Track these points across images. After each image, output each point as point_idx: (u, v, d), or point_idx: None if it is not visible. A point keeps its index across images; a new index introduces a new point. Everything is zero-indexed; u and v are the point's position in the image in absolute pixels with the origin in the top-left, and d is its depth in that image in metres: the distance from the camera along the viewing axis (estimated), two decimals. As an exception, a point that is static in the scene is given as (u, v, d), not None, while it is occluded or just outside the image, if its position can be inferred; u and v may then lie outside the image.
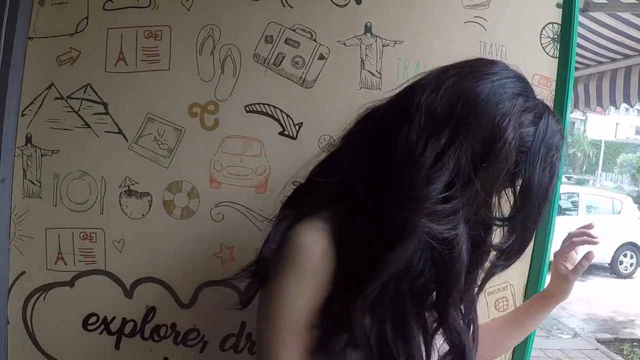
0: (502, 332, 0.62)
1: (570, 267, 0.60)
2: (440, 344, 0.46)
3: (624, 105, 2.47)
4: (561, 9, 0.72)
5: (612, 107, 2.65)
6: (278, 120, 0.68)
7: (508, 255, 0.46)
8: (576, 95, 2.63)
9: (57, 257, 0.66)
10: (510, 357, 0.74)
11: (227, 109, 0.67)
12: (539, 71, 0.72)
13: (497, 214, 0.47)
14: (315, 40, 0.67)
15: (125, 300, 0.66)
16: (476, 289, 0.48)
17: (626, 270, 5.33)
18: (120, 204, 0.66)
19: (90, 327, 0.66)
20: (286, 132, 0.68)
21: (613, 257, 5.25)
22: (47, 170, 0.65)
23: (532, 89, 0.46)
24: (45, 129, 0.65)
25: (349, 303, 0.42)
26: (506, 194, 0.47)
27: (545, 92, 0.72)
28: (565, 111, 0.72)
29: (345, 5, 0.67)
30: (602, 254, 5.01)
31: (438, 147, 0.41)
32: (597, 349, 3.36)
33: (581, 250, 0.61)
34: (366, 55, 0.68)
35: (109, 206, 0.66)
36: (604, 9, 1.89)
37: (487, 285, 0.49)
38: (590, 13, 1.90)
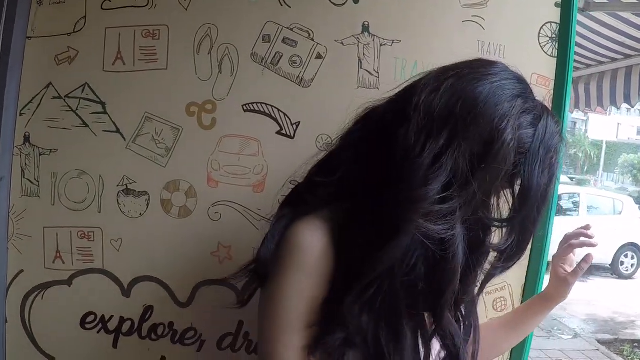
0: (500, 334, 0.62)
1: (569, 270, 0.60)
2: (437, 350, 0.46)
3: (626, 106, 2.46)
4: (560, 8, 0.72)
5: (612, 107, 2.64)
6: (276, 120, 0.68)
7: (507, 257, 0.46)
8: (577, 96, 2.63)
9: (55, 256, 0.66)
10: (509, 357, 0.74)
11: (225, 108, 0.67)
12: (538, 70, 0.72)
13: (495, 215, 0.46)
14: (312, 40, 0.67)
15: (123, 299, 0.67)
16: (476, 291, 0.48)
17: (627, 271, 5.32)
18: (118, 203, 0.66)
19: (88, 326, 0.66)
20: (284, 132, 0.68)
21: (614, 257, 5.23)
22: (45, 169, 0.65)
23: (531, 91, 0.46)
24: (44, 128, 0.65)
25: (345, 300, 0.42)
26: (505, 195, 0.47)
27: (543, 92, 0.72)
28: (564, 111, 0.72)
29: (343, 4, 0.67)
30: (603, 255, 5.00)
31: (436, 148, 0.41)
32: (597, 350, 3.35)
33: (580, 252, 0.61)
34: (364, 54, 0.68)
35: (106, 205, 0.66)
36: (604, 9, 1.89)
37: (485, 286, 0.49)
38: (591, 13, 1.90)
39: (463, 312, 0.48)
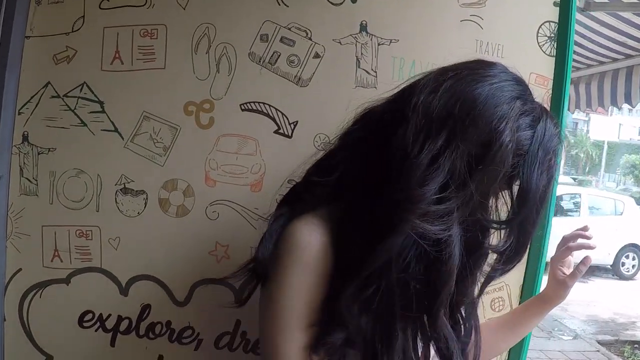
0: (498, 335, 0.62)
1: (568, 272, 0.60)
2: (432, 355, 0.46)
3: (627, 106, 2.45)
4: (558, 8, 0.72)
5: (613, 107, 2.63)
6: (273, 119, 0.68)
7: (507, 259, 0.46)
8: (577, 96, 2.62)
9: (53, 255, 0.66)
10: (506, 358, 0.74)
11: (223, 107, 0.67)
12: (536, 70, 0.72)
13: (494, 216, 0.46)
14: (310, 39, 0.67)
15: (121, 297, 0.67)
16: (476, 293, 0.48)
17: (628, 272, 5.30)
18: (116, 202, 0.66)
19: (86, 324, 0.67)
20: (281, 131, 0.68)
21: (615, 258, 5.22)
22: (43, 168, 0.66)
23: (530, 92, 0.46)
24: (42, 127, 0.65)
25: (341, 298, 0.42)
26: (503, 197, 0.47)
27: (542, 91, 0.72)
28: (563, 110, 0.72)
29: (341, 3, 0.67)
30: (604, 256, 4.99)
31: (434, 149, 0.41)
32: (598, 351, 3.34)
33: (578, 253, 0.61)
34: (361, 53, 0.68)
35: (104, 204, 0.66)
36: (605, 9, 1.88)
37: (483, 286, 0.48)
38: (592, 12, 1.89)
39: (463, 314, 0.48)
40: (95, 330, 0.67)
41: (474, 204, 0.42)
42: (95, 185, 0.66)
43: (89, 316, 0.66)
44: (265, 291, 0.45)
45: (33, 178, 0.66)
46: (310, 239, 0.43)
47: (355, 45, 0.68)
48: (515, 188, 0.45)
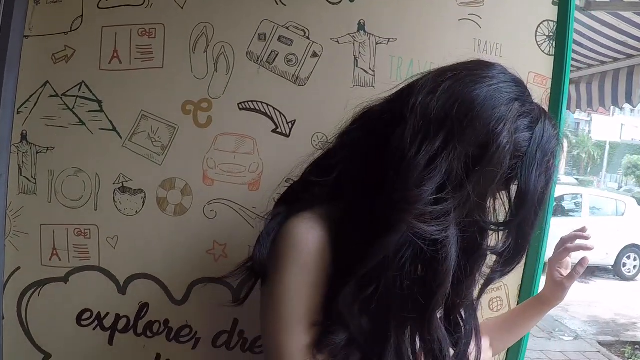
0: (496, 335, 0.62)
1: (565, 273, 0.60)
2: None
3: (629, 106, 2.44)
4: (557, 7, 0.72)
5: (614, 107, 2.62)
6: (271, 118, 0.68)
7: (506, 261, 0.46)
8: (578, 96, 2.62)
9: (52, 253, 0.66)
10: (504, 358, 0.74)
11: (221, 106, 0.67)
12: (535, 69, 0.72)
13: (492, 218, 0.46)
14: (308, 38, 0.67)
15: (119, 296, 0.67)
16: (476, 294, 0.48)
17: (629, 272, 5.28)
18: (114, 201, 0.67)
19: (84, 323, 0.67)
20: (279, 130, 0.68)
21: (616, 259, 5.20)
22: (42, 167, 0.66)
23: (529, 93, 0.46)
24: (41, 126, 0.65)
25: (339, 297, 0.42)
26: (501, 199, 0.47)
27: (540, 91, 0.72)
28: (561, 110, 0.72)
29: (339, 3, 0.67)
30: (606, 256, 4.97)
31: (432, 150, 0.41)
32: (598, 352, 3.33)
33: (576, 255, 0.61)
34: (359, 52, 0.68)
35: (103, 203, 0.66)
36: (605, 8, 1.88)
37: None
38: (592, 12, 1.89)
39: (463, 316, 0.48)
40: (94, 329, 0.67)
41: (471, 205, 0.42)
42: (93, 184, 0.66)
43: (87, 315, 0.67)
44: (265, 290, 0.45)
45: (32, 177, 0.66)
46: (309, 236, 0.43)
47: (353, 44, 0.68)
48: (514, 189, 0.45)
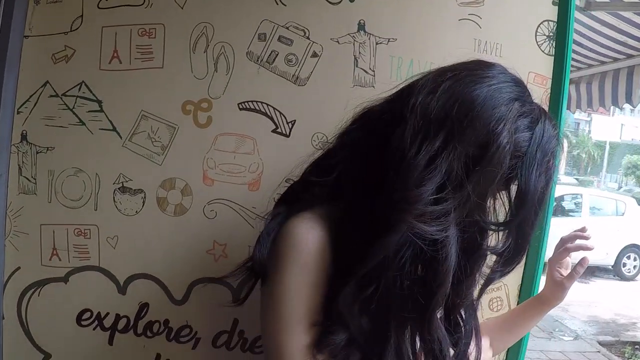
0: (495, 335, 0.62)
1: (565, 273, 0.60)
2: None
3: (629, 106, 2.44)
4: (557, 7, 0.72)
5: (615, 107, 2.62)
6: (271, 118, 0.68)
7: (506, 261, 0.46)
8: (578, 96, 2.62)
9: (52, 253, 0.66)
10: (504, 357, 0.74)
11: (221, 106, 0.67)
12: (535, 69, 0.72)
13: (492, 218, 0.46)
14: (308, 38, 0.67)
15: (119, 296, 0.67)
16: (476, 295, 0.48)
17: (629, 272, 5.28)
18: (114, 201, 0.67)
19: (84, 323, 0.67)
20: (279, 130, 0.68)
21: (616, 259, 5.20)
22: (42, 167, 0.66)
23: (529, 93, 0.46)
24: (41, 126, 0.65)
25: (339, 297, 0.42)
26: (501, 199, 0.47)
27: (540, 91, 0.72)
28: (561, 110, 0.72)
29: (339, 2, 0.67)
30: (606, 256, 4.97)
31: (432, 150, 0.41)
32: (598, 352, 3.33)
33: (576, 255, 0.61)
34: (359, 52, 0.68)
35: (103, 203, 0.66)
36: (605, 8, 1.88)
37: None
38: (592, 12, 1.89)
39: (463, 316, 0.48)
40: (94, 329, 0.67)
41: (471, 205, 0.42)
42: (93, 184, 0.66)
43: (87, 315, 0.67)
44: (265, 290, 0.45)
45: (32, 177, 0.66)
46: (309, 236, 0.43)
47: (353, 44, 0.68)
48: (514, 189, 0.45)
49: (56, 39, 0.65)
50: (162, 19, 0.66)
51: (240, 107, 0.67)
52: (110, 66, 0.65)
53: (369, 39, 0.68)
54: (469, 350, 0.48)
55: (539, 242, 0.71)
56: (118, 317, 0.67)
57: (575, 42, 2.24)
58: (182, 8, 0.66)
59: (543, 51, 0.72)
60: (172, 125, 0.67)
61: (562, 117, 0.72)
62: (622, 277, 5.24)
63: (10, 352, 0.66)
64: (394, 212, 0.41)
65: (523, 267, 0.73)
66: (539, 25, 0.72)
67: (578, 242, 0.60)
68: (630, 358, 3.33)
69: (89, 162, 0.66)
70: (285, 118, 0.68)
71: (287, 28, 0.67)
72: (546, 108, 0.71)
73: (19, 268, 0.66)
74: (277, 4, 0.67)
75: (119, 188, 0.67)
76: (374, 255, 0.41)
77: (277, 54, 0.67)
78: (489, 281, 0.47)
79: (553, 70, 0.72)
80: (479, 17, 0.70)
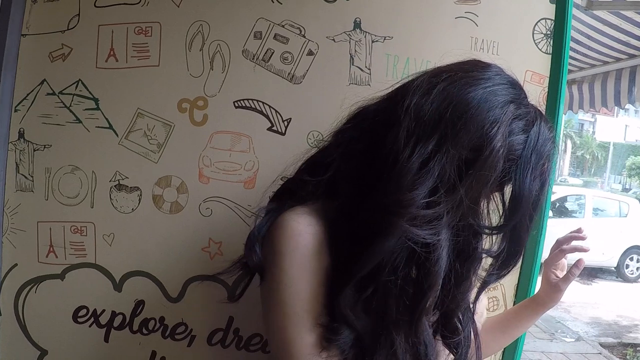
0: (489, 336, 0.62)
1: (561, 275, 0.60)
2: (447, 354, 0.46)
3: (633, 107, 2.43)
4: (554, 5, 0.71)
5: (617, 107, 2.61)
6: (267, 116, 0.68)
7: (501, 264, 0.46)
8: (581, 96, 2.60)
9: (49, 250, 0.67)
10: (500, 358, 0.73)
11: (216, 104, 0.67)
12: (532, 68, 0.71)
13: (486, 221, 0.46)
14: (304, 36, 0.67)
15: (115, 293, 0.67)
16: (472, 298, 0.48)
17: (632, 274, 5.24)
18: (111, 198, 0.67)
19: (80, 320, 0.67)
20: (275, 128, 0.68)
21: (619, 260, 5.16)
22: (39, 165, 0.66)
23: (525, 95, 0.45)
24: (38, 124, 0.66)
25: (339, 299, 0.42)
26: (495, 203, 0.46)
27: (538, 89, 0.71)
28: (558, 109, 0.72)
29: (335, 1, 0.67)
30: (608, 258, 4.94)
31: (425, 153, 0.41)
32: (600, 353, 3.30)
33: (572, 257, 0.60)
34: (355, 51, 0.68)
35: (99, 200, 0.67)
36: (607, 8, 1.86)
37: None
38: (594, 12, 1.88)
39: (462, 320, 0.47)
40: (90, 326, 0.67)
41: (464, 208, 0.42)
42: (90, 181, 0.67)
43: (84, 311, 0.67)
44: (265, 287, 0.45)
45: (29, 174, 0.66)
46: (302, 227, 0.43)
47: (349, 42, 0.68)
48: (508, 192, 0.44)
49: (53, 38, 0.65)
50: (158, 18, 0.66)
51: (236, 105, 0.67)
52: (106, 64, 0.66)
53: (365, 37, 0.68)
54: (469, 353, 0.48)
55: (536, 243, 0.71)
56: (114, 314, 0.67)
57: (577, 41, 2.23)
58: (178, 6, 0.66)
59: (540, 49, 0.72)
60: (168, 123, 0.67)
61: (560, 116, 0.72)
62: (625, 279, 5.20)
63: (7, 348, 0.66)
64: (387, 215, 0.41)
65: (519, 268, 0.72)
66: (536, 24, 0.71)
67: (574, 243, 0.60)
68: (632, 360, 3.30)
69: (86, 160, 0.66)
70: (280, 116, 0.68)
71: (283, 26, 0.67)
72: (543, 107, 0.71)
73: (16, 265, 0.66)
74: (273, 2, 0.67)
75: (115, 186, 0.67)
76: (370, 260, 0.41)
77: (273, 52, 0.67)
78: (485, 284, 0.47)
79: (550, 69, 0.72)
80: (475, 15, 0.70)
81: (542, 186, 0.44)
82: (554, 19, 0.71)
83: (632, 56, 2.20)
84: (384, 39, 0.68)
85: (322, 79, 0.68)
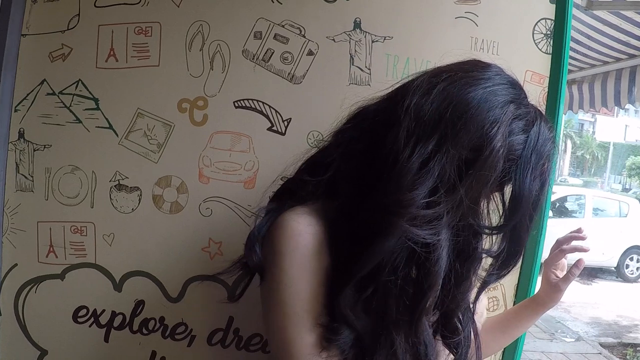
0: (489, 336, 0.62)
1: (561, 275, 0.60)
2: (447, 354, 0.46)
3: (633, 107, 2.43)
4: (554, 5, 0.71)
5: (618, 108, 2.61)
6: (267, 116, 0.68)
7: (501, 264, 0.46)
8: (581, 96, 2.60)
9: (49, 250, 0.67)
10: (500, 357, 0.73)
11: (216, 104, 0.67)
12: (532, 67, 0.71)
13: (486, 221, 0.46)
14: (304, 36, 0.67)
15: (115, 293, 0.67)
16: (472, 298, 0.48)
17: (632, 274, 5.24)
18: (111, 198, 0.67)
19: (80, 320, 0.67)
20: (275, 128, 0.68)
21: (619, 260, 5.16)
22: (39, 165, 0.66)
23: (525, 95, 0.45)
24: (38, 124, 0.66)
25: (340, 299, 0.42)
26: (495, 203, 0.46)
27: (538, 89, 0.71)
28: (558, 109, 0.72)
29: (335, 1, 0.67)
30: (608, 258, 4.94)
31: (425, 153, 0.41)
32: (600, 353, 3.30)
33: (572, 257, 0.60)
34: (355, 51, 0.68)
35: (99, 200, 0.67)
36: (607, 8, 1.86)
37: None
38: (594, 12, 1.88)
39: (462, 320, 0.48)
40: (90, 326, 0.67)
41: (464, 208, 0.42)
42: (90, 181, 0.67)
43: (84, 311, 0.67)
44: (266, 286, 0.45)
45: (29, 174, 0.66)
46: (302, 227, 0.43)
47: (349, 42, 0.68)
48: (508, 192, 0.44)
49: (53, 38, 0.65)
50: (159, 18, 0.66)
51: (236, 105, 0.67)
52: (106, 64, 0.66)
53: (365, 37, 0.68)
54: (469, 353, 0.48)
55: (536, 243, 0.71)
56: (114, 314, 0.67)
57: (577, 41, 2.23)
58: (178, 6, 0.66)
59: (540, 49, 0.72)
60: (168, 123, 0.67)
61: (559, 116, 0.72)
62: (625, 279, 5.20)
63: (7, 348, 0.66)
64: (387, 215, 0.41)
65: (519, 268, 0.72)
66: (536, 23, 0.71)
67: (574, 243, 0.60)
68: (632, 360, 3.30)
69: (86, 160, 0.66)
70: (280, 116, 0.68)
71: (283, 26, 0.67)
72: (543, 107, 0.71)
73: (16, 265, 0.66)
74: (273, 2, 0.67)
75: (115, 186, 0.67)
76: (370, 260, 0.41)
77: (273, 52, 0.67)
78: (485, 284, 0.47)
79: (550, 69, 0.72)
80: (475, 15, 0.70)
81: (542, 186, 0.44)
82: (554, 19, 0.71)
83: (632, 56, 2.20)
84: (384, 39, 0.68)
85: (322, 79, 0.68)
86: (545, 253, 0.67)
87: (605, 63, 2.38)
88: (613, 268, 5.21)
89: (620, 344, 3.53)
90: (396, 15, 0.68)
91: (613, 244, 4.91)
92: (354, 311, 0.42)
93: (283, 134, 0.68)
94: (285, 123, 0.68)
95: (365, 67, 0.68)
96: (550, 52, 0.72)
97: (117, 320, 0.67)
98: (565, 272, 0.60)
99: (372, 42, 0.68)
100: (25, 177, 0.66)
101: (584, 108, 2.66)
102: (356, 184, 0.44)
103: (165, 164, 0.67)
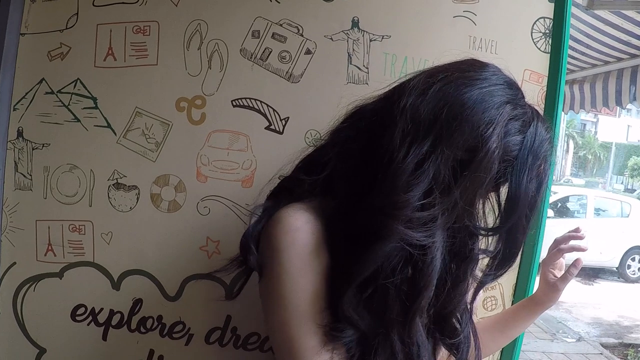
0: (487, 336, 0.62)
1: (559, 275, 0.59)
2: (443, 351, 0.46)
3: (635, 108, 2.43)
4: (553, 4, 0.71)
5: (619, 108, 2.60)
6: (264, 115, 0.68)
7: (498, 265, 0.45)
8: (582, 96, 2.59)
9: (47, 249, 0.67)
10: (499, 357, 0.73)
11: (214, 103, 0.67)
12: (530, 67, 0.71)
13: (482, 223, 0.46)
14: (302, 35, 0.67)
15: (113, 292, 0.67)
16: (469, 299, 0.48)
17: (634, 274, 5.22)
18: (109, 197, 0.67)
19: (78, 318, 0.67)
20: (272, 127, 0.68)
21: (621, 261, 5.15)
22: (37, 164, 0.66)
23: (522, 96, 0.45)
24: (36, 123, 0.66)
25: (341, 300, 0.42)
26: (491, 204, 0.46)
27: (536, 88, 0.71)
28: (557, 108, 0.71)
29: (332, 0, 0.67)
30: (610, 258, 4.92)
31: (420, 154, 0.40)
32: (601, 354, 3.29)
33: (570, 256, 0.60)
34: (353, 50, 0.68)
35: (97, 199, 0.67)
36: (608, 7, 1.86)
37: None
38: (595, 11, 1.87)
39: (460, 321, 0.47)
40: (88, 324, 0.67)
41: (460, 210, 0.42)
42: (88, 180, 0.67)
43: (82, 310, 0.67)
44: (265, 285, 0.45)
45: (27, 173, 0.66)
46: (299, 223, 0.43)
47: (347, 41, 0.68)
48: (504, 193, 0.44)
49: (52, 37, 0.65)
50: (157, 17, 0.66)
51: (234, 104, 0.67)
52: (105, 63, 0.66)
53: (363, 36, 0.68)
54: (468, 354, 0.48)
55: (534, 242, 0.70)
56: (112, 313, 0.67)
57: (578, 41, 2.23)
58: (176, 5, 0.66)
59: (539, 48, 0.72)
60: (166, 122, 0.67)
61: (558, 116, 0.72)
62: (626, 279, 5.18)
63: (5, 346, 0.66)
64: (383, 218, 0.40)
65: (518, 268, 0.72)
66: (534, 22, 0.71)
67: (572, 242, 0.59)
68: (633, 361, 3.29)
69: (84, 159, 0.67)
70: (278, 115, 0.68)
71: (281, 25, 0.67)
72: (542, 106, 0.71)
73: (14, 263, 0.67)
74: (271, 1, 0.67)
75: (113, 184, 0.67)
76: (369, 263, 0.41)
77: (271, 51, 0.67)
78: (481, 285, 0.47)
79: (549, 68, 0.71)
80: (473, 14, 0.69)
81: (539, 187, 0.44)
82: (552, 17, 0.71)
83: (633, 56, 2.19)
84: (382, 38, 0.68)
85: (320, 77, 0.68)
86: (543, 253, 0.67)
87: (607, 63, 2.37)
88: (615, 268, 5.20)
89: (622, 344, 3.52)
90: (394, 14, 0.68)
91: (615, 244, 4.90)
92: (357, 311, 0.42)
93: (281, 132, 0.68)
94: (283, 122, 0.68)
95: (363, 66, 0.68)
96: (549, 51, 0.71)
97: (115, 319, 0.67)
98: (563, 272, 0.59)
99: (370, 41, 0.68)
100: (24, 176, 0.67)
101: (585, 108, 2.65)
102: (352, 183, 0.44)
103: (163, 163, 0.67)
